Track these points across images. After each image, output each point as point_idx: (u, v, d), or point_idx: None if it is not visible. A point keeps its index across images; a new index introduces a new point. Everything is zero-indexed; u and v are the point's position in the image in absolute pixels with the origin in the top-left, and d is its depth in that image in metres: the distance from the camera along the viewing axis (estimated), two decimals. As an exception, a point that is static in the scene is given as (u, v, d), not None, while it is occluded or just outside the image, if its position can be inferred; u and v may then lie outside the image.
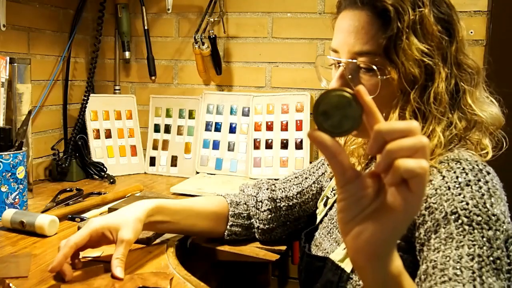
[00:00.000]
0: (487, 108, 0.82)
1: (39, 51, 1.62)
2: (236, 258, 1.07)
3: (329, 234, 0.96)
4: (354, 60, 0.78)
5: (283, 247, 1.10)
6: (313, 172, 1.10)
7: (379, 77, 0.76)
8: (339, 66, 0.81)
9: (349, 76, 0.79)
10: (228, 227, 1.03)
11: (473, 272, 0.62)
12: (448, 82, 0.78)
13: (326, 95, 0.50)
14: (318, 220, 1.03)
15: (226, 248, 1.07)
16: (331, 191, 1.02)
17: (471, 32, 1.52)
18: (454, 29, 0.79)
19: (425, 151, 0.46)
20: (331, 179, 1.04)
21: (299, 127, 1.65)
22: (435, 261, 0.66)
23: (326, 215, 1.00)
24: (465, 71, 0.80)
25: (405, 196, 0.47)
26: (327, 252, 0.92)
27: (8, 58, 1.33)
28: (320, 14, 1.65)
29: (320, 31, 1.65)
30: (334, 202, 0.99)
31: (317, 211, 1.06)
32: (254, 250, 1.08)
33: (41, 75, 1.64)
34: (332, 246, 0.93)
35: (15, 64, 1.34)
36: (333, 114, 0.50)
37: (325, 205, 1.03)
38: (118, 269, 0.84)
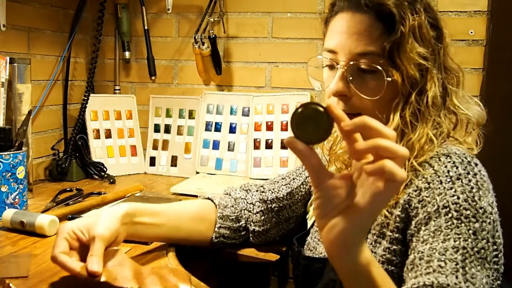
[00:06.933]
0: (472, 106, 0.86)
1: (39, 51, 1.62)
2: (236, 258, 1.07)
3: None
4: (358, 61, 0.79)
5: (283, 247, 1.10)
6: (300, 174, 1.09)
7: (385, 78, 0.78)
8: (337, 67, 0.81)
9: (350, 78, 0.80)
10: (216, 229, 1.01)
11: (457, 264, 0.67)
12: (440, 84, 0.82)
13: (304, 107, 0.57)
14: (309, 225, 1.03)
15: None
16: None
17: (471, 32, 1.52)
18: (442, 34, 0.84)
19: (404, 160, 0.53)
20: None
21: (299, 127, 1.64)
22: (422, 252, 0.70)
23: None
24: (451, 74, 0.85)
25: (375, 193, 0.54)
26: (324, 255, 0.92)
27: (8, 58, 1.33)
28: (320, 14, 1.65)
29: (320, 31, 1.64)
30: None
31: (307, 216, 1.06)
32: (254, 250, 1.08)
33: (41, 75, 1.64)
34: None
35: (15, 64, 1.34)
36: (307, 125, 0.57)
37: None
38: (94, 265, 0.76)
